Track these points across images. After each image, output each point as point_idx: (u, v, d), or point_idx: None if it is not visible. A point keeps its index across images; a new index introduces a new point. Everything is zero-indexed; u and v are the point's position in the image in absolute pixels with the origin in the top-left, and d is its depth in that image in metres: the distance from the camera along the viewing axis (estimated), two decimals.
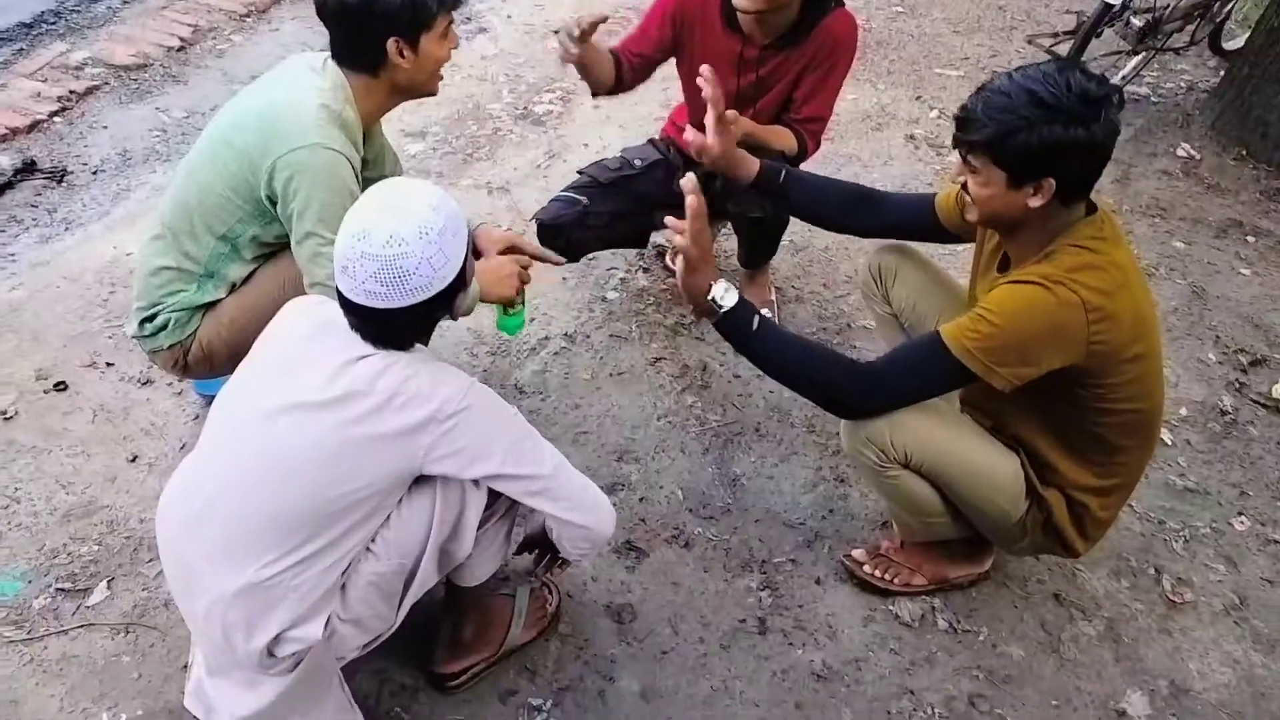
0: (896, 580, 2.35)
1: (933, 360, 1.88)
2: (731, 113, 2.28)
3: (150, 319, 2.28)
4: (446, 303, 1.71)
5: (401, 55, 2.12)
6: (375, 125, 2.37)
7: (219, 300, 2.28)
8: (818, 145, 2.73)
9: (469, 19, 4.53)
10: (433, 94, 2.29)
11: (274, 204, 2.12)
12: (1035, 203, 1.80)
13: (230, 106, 2.24)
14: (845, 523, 2.52)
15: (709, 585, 2.37)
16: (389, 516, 1.79)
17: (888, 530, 2.48)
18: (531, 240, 2.55)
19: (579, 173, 2.91)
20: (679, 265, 1.92)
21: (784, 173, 2.34)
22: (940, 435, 2.03)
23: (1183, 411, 2.91)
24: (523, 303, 2.40)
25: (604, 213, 2.76)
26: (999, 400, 1.99)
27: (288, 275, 2.21)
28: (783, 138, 2.64)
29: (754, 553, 2.44)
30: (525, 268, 2.36)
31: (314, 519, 1.69)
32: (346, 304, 1.68)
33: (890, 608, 2.34)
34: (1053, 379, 1.85)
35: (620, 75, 2.63)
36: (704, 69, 2.22)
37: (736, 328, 1.96)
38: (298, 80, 2.15)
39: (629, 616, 2.30)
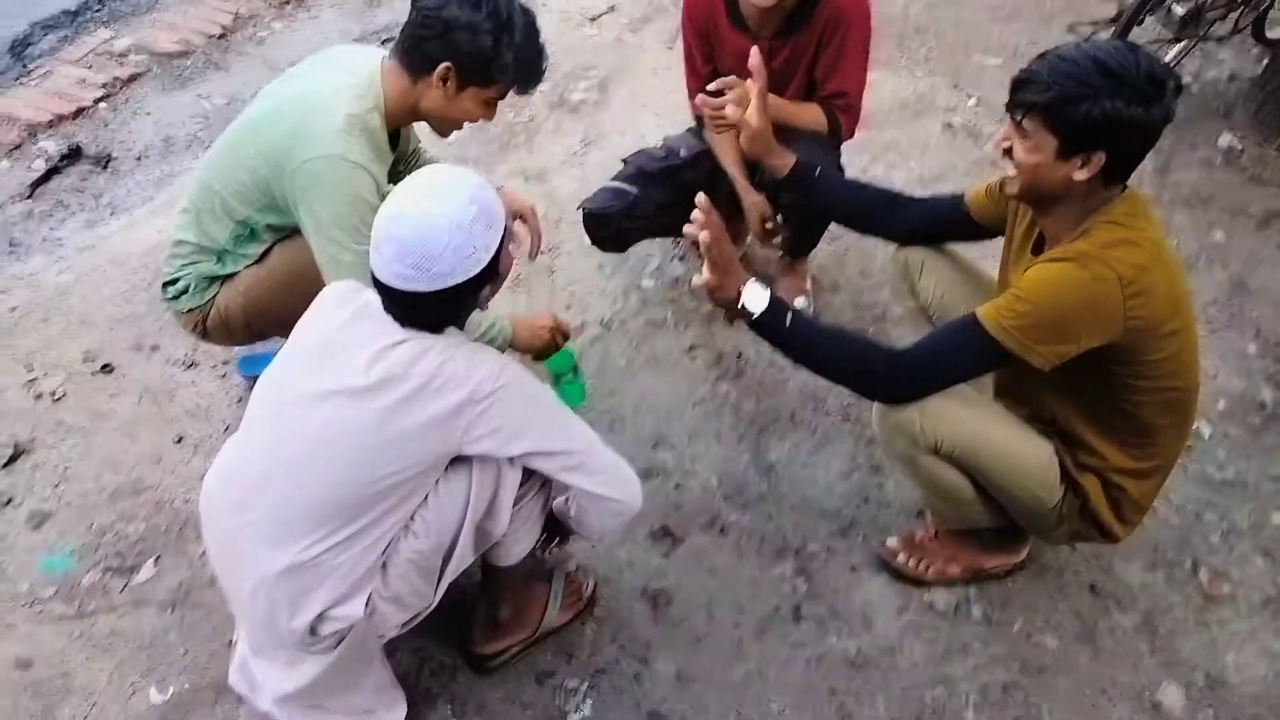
0: (931, 570, 2.36)
1: (970, 341, 1.88)
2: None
3: (173, 283, 2.34)
4: (473, 291, 1.73)
5: (444, 83, 2.09)
6: (408, 125, 2.37)
7: (237, 271, 2.33)
8: (853, 122, 2.73)
9: None
10: (441, 135, 2.29)
11: (290, 204, 2.14)
12: (1081, 175, 1.79)
13: (266, 93, 2.26)
14: (880, 511, 2.53)
15: (744, 572, 2.39)
16: (427, 496, 1.82)
17: (923, 519, 2.49)
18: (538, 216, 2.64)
19: (624, 161, 2.92)
20: (704, 273, 1.92)
21: (818, 170, 2.36)
22: (971, 421, 2.03)
23: (1221, 404, 2.89)
24: (576, 370, 2.50)
25: (651, 203, 2.79)
26: (1035, 384, 1.99)
27: (302, 250, 2.22)
28: (811, 113, 2.67)
29: (789, 540, 2.46)
30: (565, 336, 2.45)
31: (355, 501, 1.73)
32: (376, 282, 1.71)
33: (925, 597, 2.35)
34: (1090, 357, 1.84)
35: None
36: (753, 50, 2.27)
37: (771, 328, 1.97)
38: (331, 80, 2.15)
39: (664, 601, 2.32)
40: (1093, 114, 1.72)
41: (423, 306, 1.71)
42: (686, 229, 1.92)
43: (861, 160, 3.70)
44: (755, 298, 1.93)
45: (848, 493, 2.58)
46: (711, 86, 2.31)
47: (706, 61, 2.76)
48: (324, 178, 2.06)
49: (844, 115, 2.70)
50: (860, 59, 2.67)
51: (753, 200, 2.84)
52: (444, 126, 2.23)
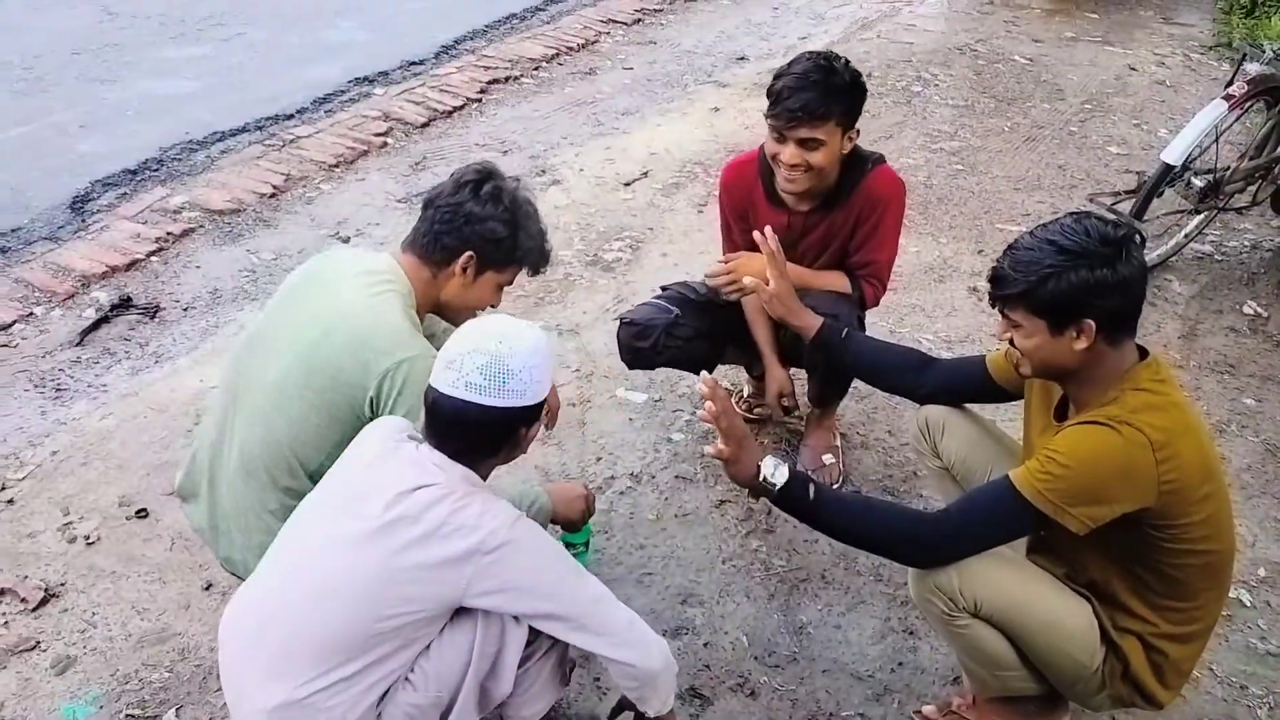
0: None
1: (1004, 504, 1.89)
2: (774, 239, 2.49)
3: None
4: (524, 423, 1.81)
5: (464, 271, 2.19)
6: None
7: None
8: (877, 292, 2.81)
9: (543, 171, 4.75)
10: (453, 325, 2.28)
11: (381, 407, 2.09)
12: (1080, 345, 1.86)
13: (289, 322, 2.19)
14: (915, 676, 2.47)
15: None
16: (429, 646, 1.82)
17: (959, 686, 2.42)
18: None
19: (663, 288, 3.01)
20: (718, 443, 1.95)
21: (845, 331, 2.43)
22: (1010, 582, 2.00)
23: (1261, 572, 2.83)
24: (588, 546, 2.53)
25: (689, 327, 2.86)
26: (1073, 546, 1.98)
27: None
28: (833, 278, 2.77)
29: (821, 705, 2.39)
30: (593, 506, 2.47)
31: (356, 641, 1.73)
32: (435, 406, 1.77)
33: None
34: (1127, 522, 1.85)
35: None
36: (760, 232, 2.47)
37: (796, 500, 1.97)
38: (368, 287, 2.13)
39: None
40: (1062, 289, 1.83)
41: (477, 428, 1.77)
42: (700, 414, 1.96)
43: (888, 322, 3.77)
44: (775, 471, 1.95)
45: (881, 656, 2.52)
46: (710, 271, 2.56)
47: (744, 234, 2.87)
48: (414, 376, 2.03)
49: (868, 284, 2.79)
50: (893, 235, 2.78)
51: (775, 375, 2.89)
52: (459, 316, 2.28)
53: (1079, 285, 1.82)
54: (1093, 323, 1.84)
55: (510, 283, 2.30)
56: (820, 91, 2.51)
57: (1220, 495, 1.94)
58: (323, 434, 2.11)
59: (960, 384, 2.38)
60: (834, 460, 3.06)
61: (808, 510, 1.98)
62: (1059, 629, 2.00)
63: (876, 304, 2.85)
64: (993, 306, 1.98)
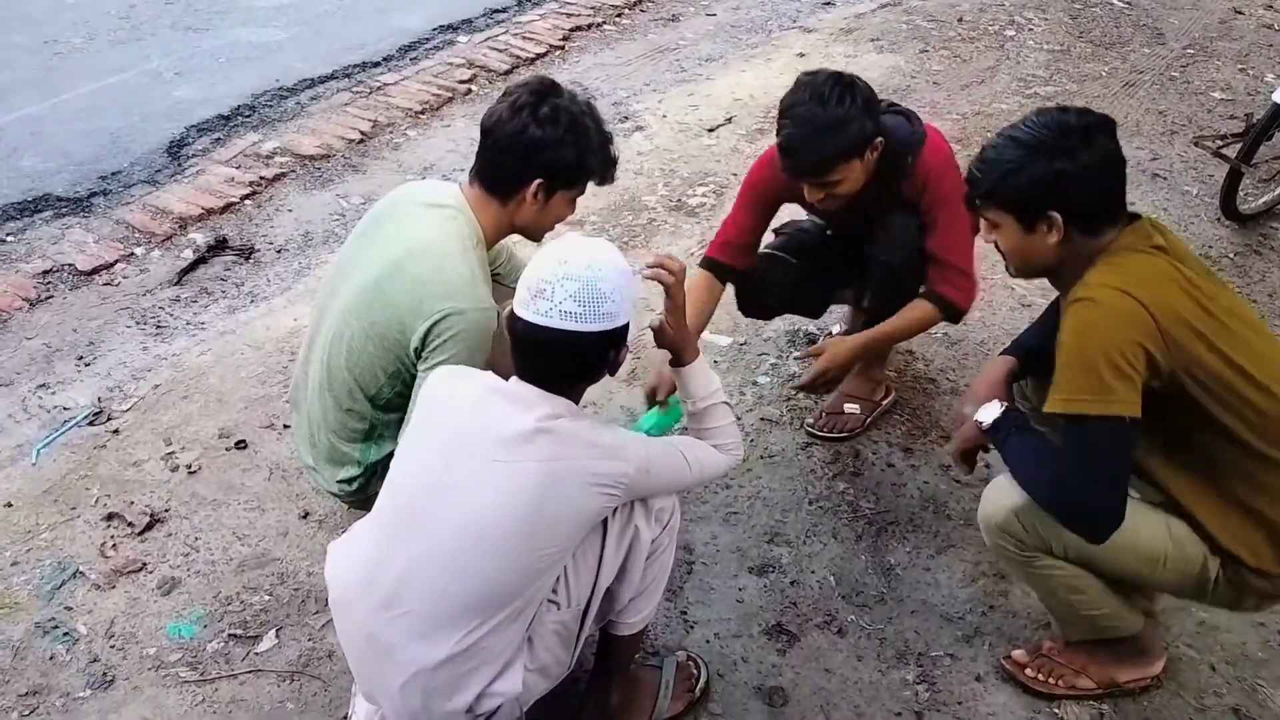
0: (1061, 683, 2.25)
1: (1077, 436, 1.84)
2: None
3: (348, 480, 2.30)
4: (616, 345, 1.79)
5: (535, 197, 2.14)
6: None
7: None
8: (961, 291, 2.54)
9: (626, 118, 4.72)
10: (535, 240, 2.30)
11: (419, 355, 2.13)
12: (1052, 240, 1.88)
13: (363, 253, 2.24)
14: (1006, 620, 2.44)
15: (863, 675, 2.31)
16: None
17: (1050, 630, 2.38)
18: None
19: (775, 232, 2.92)
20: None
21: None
22: None
23: None
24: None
25: (803, 274, 2.81)
26: (1159, 466, 1.95)
27: None
28: (913, 316, 2.57)
29: (910, 644, 2.38)
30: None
31: (517, 584, 1.75)
32: (528, 336, 1.75)
33: (1056, 711, 2.23)
34: (1173, 405, 1.83)
35: (727, 281, 2.77)
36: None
37: (995, 436, 2.06)
38: (438, 225, 2.15)
39: (780, 700, 2.26)
40: (1021, 184, 1.86)
41: (574, 354, 1.76)
42: None
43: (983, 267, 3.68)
44: (985, 412, 2.07)
45: (971, 599, 2.49)
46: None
47: (766, 222, 2.77)
48: (460, 329, 2.07)
49: (948, 287, 2.53)
50: (957, 219, 2.47)
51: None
52: (538, 233, 2.29)
53: (1038, 179, 1.84)
54: (1058, 215, 1.85)
55: (583, 193, 2.24)
56: (822, 145, 2.32)
57: (1255, 329, 1.93)
58: (377, 362, 2.18)
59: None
60: (855, 410, 2.96)
61: (999, 448, 2.05)
62: (1144, 550, 1.95)
63: (969, 305, 2.58)
64: (971, 209, 1.99)
